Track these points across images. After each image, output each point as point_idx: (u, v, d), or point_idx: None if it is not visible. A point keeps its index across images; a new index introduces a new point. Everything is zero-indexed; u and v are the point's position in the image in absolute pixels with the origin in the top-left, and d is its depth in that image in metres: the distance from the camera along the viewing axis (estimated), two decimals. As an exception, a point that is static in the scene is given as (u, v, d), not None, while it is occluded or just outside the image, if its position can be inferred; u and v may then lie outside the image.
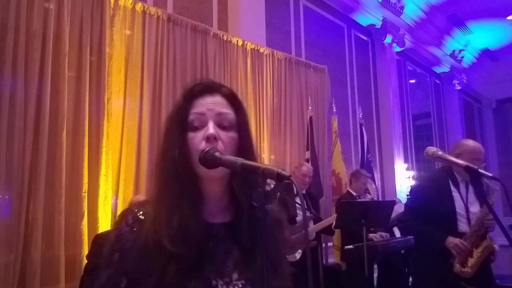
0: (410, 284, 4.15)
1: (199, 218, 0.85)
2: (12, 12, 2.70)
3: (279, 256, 0.90)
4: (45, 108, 2.79)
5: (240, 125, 0.90)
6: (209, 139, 0.84)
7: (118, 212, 3.05)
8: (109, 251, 0.86)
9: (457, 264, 2.47)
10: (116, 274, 0.84)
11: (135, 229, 0.85)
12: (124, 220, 0.88)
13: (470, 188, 2.57)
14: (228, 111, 0.89)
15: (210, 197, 0.89)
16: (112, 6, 3.27)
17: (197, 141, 0.85)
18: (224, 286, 0.84)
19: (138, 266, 0.81)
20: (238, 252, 0.87)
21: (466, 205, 2.54)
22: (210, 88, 0.91)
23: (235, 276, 0.85)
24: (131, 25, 3.40)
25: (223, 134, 0.86)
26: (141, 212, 0.88)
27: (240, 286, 0.85)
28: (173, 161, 0.85)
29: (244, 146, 0.88)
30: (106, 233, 2.69)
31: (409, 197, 2.86)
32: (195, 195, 0.86)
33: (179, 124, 0.87)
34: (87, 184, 2.95)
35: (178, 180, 0.85)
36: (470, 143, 2.62)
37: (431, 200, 2.58)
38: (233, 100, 0.91)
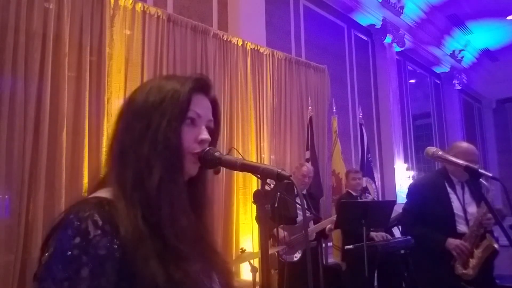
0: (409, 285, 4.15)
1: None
2: (12, 12, 2.70)
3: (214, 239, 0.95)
4: (45, 108, 2.79)
5: (213, 134, 0.93)
6: (202, 142, 0.86)
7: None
8: (68, 269, 0.69)
9: (459, 266, 2.47)
10: None
11: (106, 229, 0.72)
12: (79, 226, 0.71)
13: (466, 189, 2.62)
14: (212, 120, 0.92)
15: None
16: (112, 6, 3.27)
17: (190, 139, 0.85)
18: (213, 285, 0.84)
19: (130, 258, 0.71)
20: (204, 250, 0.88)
21: (463, 206, 2.57)
22: (208, 88, 0.92)
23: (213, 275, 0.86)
24: (131, 25, 3.41)
25: None
26: (105, 208, 0.74)
27: (217, 283, 0.86)
28: (172, 149, 0.81)
29: None
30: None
31: (406, 200, 2.90)
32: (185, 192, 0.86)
33: (179, 113, 0.84)
34: (87, 184, 2.95)
35: (180, 172, 0.83)
36: (464, 144, 2.68)
37: (428, 203, 2.62)
38: (216, 109, 0.95)
